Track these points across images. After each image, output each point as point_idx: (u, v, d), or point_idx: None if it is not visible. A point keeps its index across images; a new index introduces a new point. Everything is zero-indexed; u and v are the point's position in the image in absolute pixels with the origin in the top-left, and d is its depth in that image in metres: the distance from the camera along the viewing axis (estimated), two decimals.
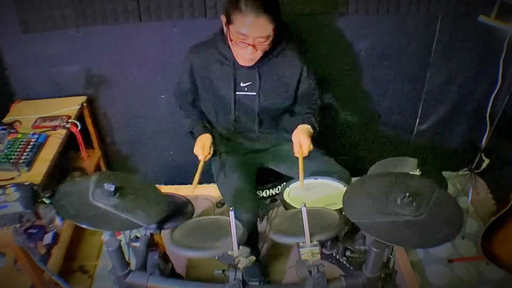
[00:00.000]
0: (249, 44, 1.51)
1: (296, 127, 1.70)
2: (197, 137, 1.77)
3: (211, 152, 1.73)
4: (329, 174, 1.64)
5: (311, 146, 1.63)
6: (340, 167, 1.74)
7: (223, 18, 1.56)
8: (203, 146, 1.71)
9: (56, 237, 1.84)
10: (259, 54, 1.56)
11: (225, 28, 1.57)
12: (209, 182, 2.42)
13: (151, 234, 1.40)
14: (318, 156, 1.77)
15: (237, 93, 1.68)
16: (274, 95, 1.70)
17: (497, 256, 1.87)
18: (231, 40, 1.54)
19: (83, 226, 1.15)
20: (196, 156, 1.70)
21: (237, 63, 1.61)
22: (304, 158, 1.63)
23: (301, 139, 1.63)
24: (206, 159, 1.69)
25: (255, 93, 1.68)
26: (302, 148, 1.62)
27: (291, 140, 1.70)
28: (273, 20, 1.48)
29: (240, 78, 1.66)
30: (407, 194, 1.14)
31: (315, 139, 1.71)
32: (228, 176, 1.71)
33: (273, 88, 1.69)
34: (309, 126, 1.70)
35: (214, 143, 1.78)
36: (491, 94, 2.14)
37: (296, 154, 1.63)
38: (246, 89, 1.68)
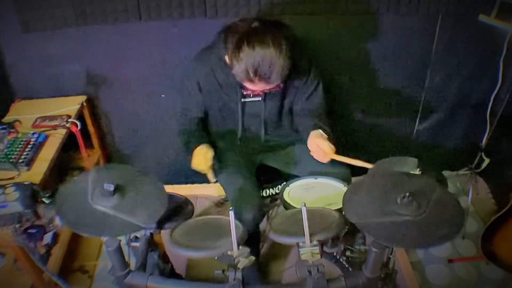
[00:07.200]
0: (258, 93, 1.55)
1: (308, 136, 1.61)
2: (194, 149, 1.63)
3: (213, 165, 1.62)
4: (329, 173, 1.64)
5: (333, 146, 1.54)
6: (340, 165, 1.72)
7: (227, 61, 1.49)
8: (204, 157, 1.59)
9: (56, 237, 1.83)
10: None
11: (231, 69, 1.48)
12: (208, 182, 2.43)
13: (151, 234, 1.40)
14: None
15: (242, 99, 1.66)
16: (280, 99, 1.68)
17: (497, 255, 1.87)
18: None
19: (84, 235, 1.16)
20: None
21: None
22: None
23: (318, 143, 1.54)
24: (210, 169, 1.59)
25: (260, 99, 1.65)
26: (325, 151, 1.53)
27: (296, 143, 1.71)
28: (286, 74, 1.45)
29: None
30: (407, 194, 1.14)
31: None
32: (229, 174, 1.71)
33: (279, 93, 1.65)
34: (321, 130, 1.61)
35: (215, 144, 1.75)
36: (491, 93, 2.14)
37: (324, 160, 1.55)
38: (251, 94, 1.64)
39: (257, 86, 1.47)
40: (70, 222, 1.19)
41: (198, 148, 1.62)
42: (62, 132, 1.84)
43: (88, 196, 1.22)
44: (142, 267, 1.33)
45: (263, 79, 1.41)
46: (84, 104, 2.03)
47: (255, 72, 1.39)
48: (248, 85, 1.48)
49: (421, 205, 1.15)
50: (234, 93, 1.64)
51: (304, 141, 1.65)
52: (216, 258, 1.21)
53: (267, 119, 1.72)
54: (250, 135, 1.79)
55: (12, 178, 1.58)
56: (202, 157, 1.60)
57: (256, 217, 1.59)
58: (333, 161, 1.72)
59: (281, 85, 1.55)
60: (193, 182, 2.44)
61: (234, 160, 1.76)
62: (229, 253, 1.19)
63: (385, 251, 1.18)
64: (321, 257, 1.18)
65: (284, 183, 1.64)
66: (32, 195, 1.48)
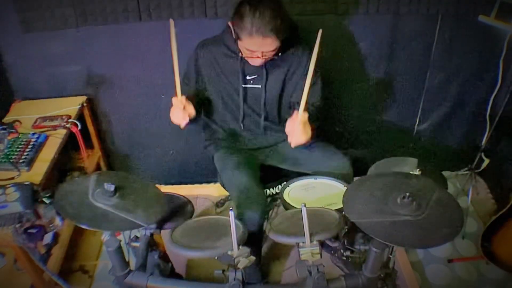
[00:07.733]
0: (257, 57, 1.56)
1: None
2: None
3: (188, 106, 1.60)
4: (330, 172, 1.64)
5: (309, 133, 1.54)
6: (341, 155, 1.76)
7: (231, 27, 1.58)
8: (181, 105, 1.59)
9: (56, 237, 1.84)
10: (268, 59, 1.62)
11: (233, 33, 1.58)
12: (208, 182, 2.44)
13: (151, 234, 1.41)
14: (319, 145, 1.79)
15: (243, 85, 1.71)
16: (280, 89, 1.72)
17: (497, 255, 1.87)
18: (240, 51, 1.59)
19: (82, 226, 1.15)
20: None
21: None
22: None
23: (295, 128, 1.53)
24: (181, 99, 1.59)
25: (260, 86, 1.70)
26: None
27: None
28: (281, 36, 1.52)
29: (247, 71, 1.69)
30: (407, 194, 1.14)
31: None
32: (232, 174, 1.71)
33: (279, 82, 1.71)
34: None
35: (217, 136, 1.83)
36: (491, 94, 2.14)
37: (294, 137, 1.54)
38: (251, 82, 1.70)
39: (255, 42, 1.51)
40: (69, 214, 1.19)
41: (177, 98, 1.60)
42: (62, 132, 1.84)
43: (89, 194, 1.23)
44: (142, 267, 1.34)
45: (260, 32, 1.48)
46: (84, 104, 2.03)
47: (252, 23, 1.47)
48: (247, 42, 1.52)
49: (421, 205, 1.15)
50: (236, 79, 1.70)
51: None
52: (216, 258, 1.21)
53: (266, 106, 1.76)
54: (250, 123, 1.82)
55: (13, 178, 1.58)
56: (178, 108, 1.60)
57: (262, 216, 1.58)
58: (333, 159, 1.75)
59: (277, 50, 1.58)
60: (193, 182, 2.45)
61: (237, 160, 1.76)
62: (229, 253, 1.19)
63: (385, 251, 1.18)
64: (320, 257, 1.18)
65: (284, 183, 1.64)
66: (32, 195, 1.48)
